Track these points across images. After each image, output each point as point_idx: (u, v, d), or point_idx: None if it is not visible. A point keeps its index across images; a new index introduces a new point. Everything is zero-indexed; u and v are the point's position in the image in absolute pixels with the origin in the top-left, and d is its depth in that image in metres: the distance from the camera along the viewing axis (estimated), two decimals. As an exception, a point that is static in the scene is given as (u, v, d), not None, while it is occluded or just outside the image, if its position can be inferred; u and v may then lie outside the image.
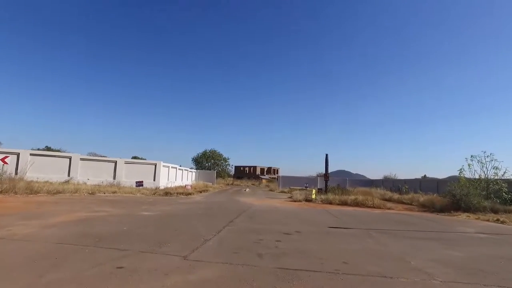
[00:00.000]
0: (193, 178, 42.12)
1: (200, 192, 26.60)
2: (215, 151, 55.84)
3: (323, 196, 22.05)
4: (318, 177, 43.36)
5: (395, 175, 41.52)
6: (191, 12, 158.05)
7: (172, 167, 29.70)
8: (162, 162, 25.92)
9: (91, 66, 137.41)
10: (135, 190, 20.80)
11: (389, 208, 18.41)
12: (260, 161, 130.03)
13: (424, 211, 17.60)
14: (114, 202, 14.27)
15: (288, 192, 34.88)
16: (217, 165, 55.10)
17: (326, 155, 25.55)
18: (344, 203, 19.95)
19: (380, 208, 18.62)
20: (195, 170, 45.28)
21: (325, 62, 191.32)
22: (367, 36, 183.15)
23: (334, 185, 34.45)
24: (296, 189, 37.66)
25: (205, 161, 55.19)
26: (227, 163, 57.56)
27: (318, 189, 24.88)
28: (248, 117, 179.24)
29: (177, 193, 21.52)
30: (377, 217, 13.33)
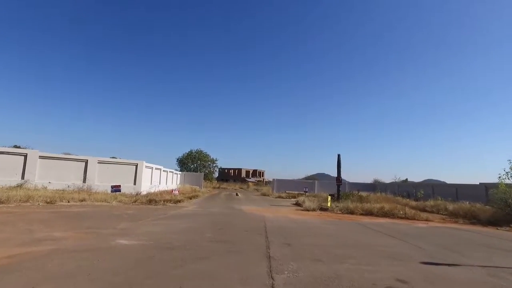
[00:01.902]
0: (178, 181, 37.68)
1: (190, 198, 22.44)
2: (201, 151, 51.30)
3: (340, 204, 18.64)
4: (316, 181, 40.17)
5: (399, 178, 38.92)
6: (178, 12, 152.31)
7: (156, 169, 25.33)
8: (144, 162, 21.57)
9: (72, 66, 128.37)
10: (110, 197, 16.44)
11: (427, 220, 15.20)
12: (244, 163, 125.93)
13: (471, 223, 14.52)
14: (78, 217, 10.03)
15: (287, 198, 31.34)
16: (204, 166, 50.60)
17: (338, 155, 22.23)
18: (368, 213, 16.60)
19: (415, 219, 15.39)
20: (180, 172, 40.80)
21: (313, 65, 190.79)
22: (356, 40, 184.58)
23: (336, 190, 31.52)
24: (293, 193, 34.26)
25: (191, 163, 50.56)
26: (215, 164, 53.18)
27: (330, 195, 21.48)
28: (232, 119, 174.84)
29: (163, 201, 17.35)
30: (442, 236, 9.97)
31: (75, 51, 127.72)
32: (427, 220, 15.21)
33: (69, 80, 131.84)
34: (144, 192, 20.23)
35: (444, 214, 18.31)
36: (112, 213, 11.59)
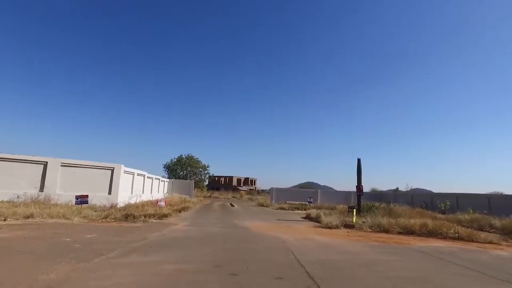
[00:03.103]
0: (166, 190, 33.41)
1: (179, 211, 18.33)
2: (192, 156, 47.01)
3: (367, 219, 15.00)
4: (319, 190, 36.61)
5: (410, 187, 35.79)
6: (173, 18, 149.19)
7: (138, 175, 21.20)
8: (123, 166, 17.49)
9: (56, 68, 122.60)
10: (72, 212, 12.34)
11: (490, 242, 11.74)
12: (234, 171, 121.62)
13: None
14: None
15: (290, 209, 27.52)
16: (195, 173, 46.27)
17: (359, 160, 18.73)
18: (408, 232, 13.08)
19: (472, 240, 11.90)
20: (167, 180, 36.53)
21: (307, 76, 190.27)
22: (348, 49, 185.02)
23: (357, 201, 28.12)
24: (295, 204, 30.51)
25: (180, 169, 46.18)
26: (206, 171, 48.90)
27: (349, 207, 17.89)
28: (222, 125, 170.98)
29: (144, 216, 13.30)
30: None
31: (68, 55, 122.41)
32: (490, 242, 11.74)
33: (47, 80, 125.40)
34: (121, 204, 16.13)
35: (491, 232, 14.94)
36: (60, 240, 7.57)
